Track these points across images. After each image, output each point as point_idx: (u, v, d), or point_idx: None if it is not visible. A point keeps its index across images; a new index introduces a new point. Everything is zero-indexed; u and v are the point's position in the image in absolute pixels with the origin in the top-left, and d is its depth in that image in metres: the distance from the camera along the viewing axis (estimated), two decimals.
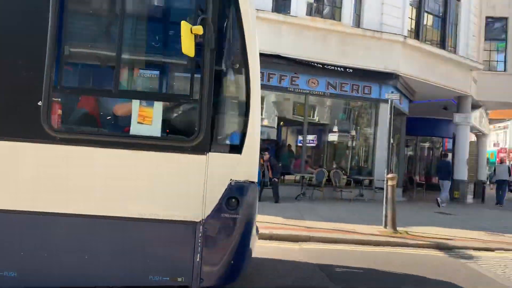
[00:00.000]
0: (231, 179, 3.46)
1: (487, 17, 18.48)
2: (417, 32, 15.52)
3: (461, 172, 16.94)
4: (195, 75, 3.45)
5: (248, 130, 3.49)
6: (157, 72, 3.72)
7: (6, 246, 3.32)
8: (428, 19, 16.32)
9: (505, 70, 18.45)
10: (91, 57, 3.81)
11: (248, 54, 3.50)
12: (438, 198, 13.75)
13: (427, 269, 6.04)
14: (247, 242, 3.59)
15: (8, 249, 3.32)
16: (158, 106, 3.48)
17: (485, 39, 18.40)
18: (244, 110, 3.52)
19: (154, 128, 3.46)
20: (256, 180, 3.58)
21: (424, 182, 19.95)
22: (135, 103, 3.47)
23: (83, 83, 3.93)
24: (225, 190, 3.44)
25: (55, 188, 3.35)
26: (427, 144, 24.86)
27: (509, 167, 20.16)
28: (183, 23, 3.26)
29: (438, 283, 5.37)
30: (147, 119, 3.45)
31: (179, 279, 3.43)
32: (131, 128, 3.47)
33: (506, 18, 18.47)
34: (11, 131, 3.32)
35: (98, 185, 3.40)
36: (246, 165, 3.53)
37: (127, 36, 3.48)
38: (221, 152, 3.48)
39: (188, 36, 3.25)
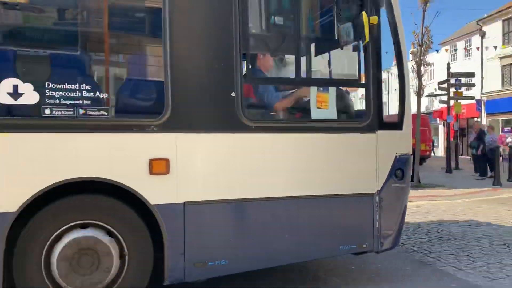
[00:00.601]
0: (396, 153, 3.91)
1: None
2: None
3: None
4: (364, 61, 3.79)
5: (405, 108, 3.95)
6: (328, 59, 3.94)
7: (217, 236, 3.40)
8: None
9: None
10: (272, 49, 3.91)
11: (400, 40, 3.93)
12: None
13: None
14: (406, 207, 4.09)
15: (220, 239, 3.40)
16: (332, 91, 3.77)
17: None
18: (400, 89, 3.96)
19: (331, 112, 3.75)
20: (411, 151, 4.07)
21: None
22: (313, 90, 3.72)
23: (267, 73, 3.99)
24: (393, 163, 3.89)
25: (256, 174, 3.48)
26: None
27: None
28: (363, 14, 3.59)
29: None
30: (324, 104, 3.72)
31: (364, 245, 3.83)
32: (311, 113, 3.71)
33: None
34: (211, 123, 3.37)
35: (292, 168, 3.61)
36: (406, 140, 4.01)
37: (302, 28, 3.67)
38: (387, 130, 3.89)
39: (366, 25, 3.59)
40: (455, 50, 35.10)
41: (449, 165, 16.97)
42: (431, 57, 14.66)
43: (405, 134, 3.98)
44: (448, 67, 18.43)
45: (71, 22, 3.47)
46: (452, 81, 18.37)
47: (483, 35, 31.11)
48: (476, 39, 31.97)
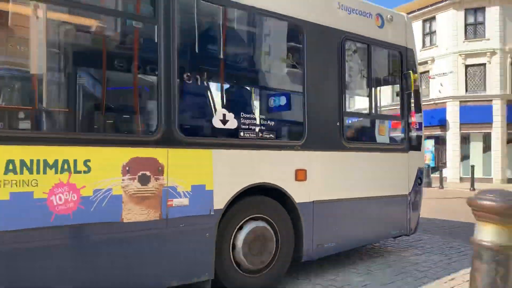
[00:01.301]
0: (418, 167, 5.72)
1: None
2: None
3: None
4: (402, 103, 5.52)
5: (422, 137, 5.80)
6: (383, 102, 5.48)
7: (329, 225, 4.73)
8: None
9: None
10: (356, 93, 5.35)
11: (420, 91, 5.78)
12: None
13: None
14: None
15: (331, 227, 4.74)
16: (387, 124, 5.42)
17: None
18: (419, 124, 5.80)
19: (386, 138, 5.40)
20: None
21: None
22: (377, 122, 5.32)
23: (352, 108, 5.38)
24: (416, 173, 5.69)
25: (349, 181, 4.92)
26: None
27: None
28: (411, 72, 5.34)
29: None
30: (383, 132, 5.36)
31: (402, 231, 5.53)
32: (376, 138, 5.30)
33: None
34: (326, 144, 4.72)
35: (368, 176, 5.12)
36: (422, 157, 5.84)
37: (372, 81, 5.25)
38: (413, 151, 5.68)
39: (412, 80, 5.35)
40: None
41: None
42: None
43: (422, 154, 5.82)
44: None
45: (269, 74, 4.56)
46: None
47: None
48: None
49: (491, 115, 23.55)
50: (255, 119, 4.20)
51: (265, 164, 4.24)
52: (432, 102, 24.77)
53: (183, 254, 3.69)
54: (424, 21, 26.28)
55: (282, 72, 4.84)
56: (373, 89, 5.39)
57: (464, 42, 24.21)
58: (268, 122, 4.32)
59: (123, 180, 3.35)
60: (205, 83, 4.06)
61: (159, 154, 3.53)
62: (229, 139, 4.03)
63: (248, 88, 4.36)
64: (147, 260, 3.49)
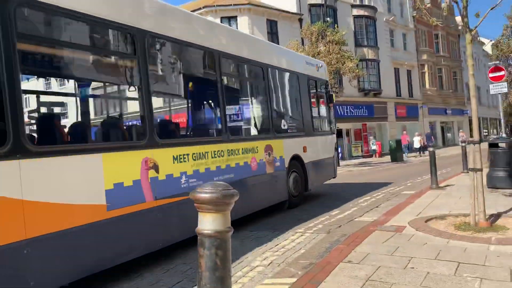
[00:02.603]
0: (335, 142, 10.99)
1: None
2: None
3: None
4: (328, 110, 10.65)
5: (335, 123, 11.05)
6: (310, 106, 10.41)
7: (314, 172, 9.45)
8: None
9: None
10: (315, 106, 10.02)
11: (329, 99, 11.01)
12: None
13: None
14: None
15: (314, 173, 9.47)
16: (326, 120, 10.48)
17: None
18: (335, 119, 11.03)
19: (325, 127, 10.47)
20: None
21: None
22: (322, 120, 10.31)
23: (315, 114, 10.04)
24: (335, 146, 10.93)
25: (315, 150, 9.75)
26: None
27: None
28: (333, 94, 10.49)
29: None
30: (324, 124, 10.41)
31: (333, 175, 10.68)
32: (322, 128, 10.30)
33: None
34: (307, 132, 9.44)
35: (322, 148, 10.04)
36: (336, 137, 11.11)
37: (317, 99, 10.19)
38: (333, 134, 10.89)
39: (334, 97, 10.52)
40: None
41: None
42: None
43: (336, 135, 11.08)
44: None
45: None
46: None
47: None
48: None
49: None
50: (286, 122, 8.67)
51: (295, 145, 8.76)
52: None
53: (280, 188, 7.99)
54: None
55: (293, 101, 9.34)
56: (319, 103, 10.37)
57: None
58: (290, 123, 8.87)
59: (264, 154, 7.48)
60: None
61: (271, 142, 7.74)
62: (285, 133, 8.43)
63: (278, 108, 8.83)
64: (273, 191, 7.71)
